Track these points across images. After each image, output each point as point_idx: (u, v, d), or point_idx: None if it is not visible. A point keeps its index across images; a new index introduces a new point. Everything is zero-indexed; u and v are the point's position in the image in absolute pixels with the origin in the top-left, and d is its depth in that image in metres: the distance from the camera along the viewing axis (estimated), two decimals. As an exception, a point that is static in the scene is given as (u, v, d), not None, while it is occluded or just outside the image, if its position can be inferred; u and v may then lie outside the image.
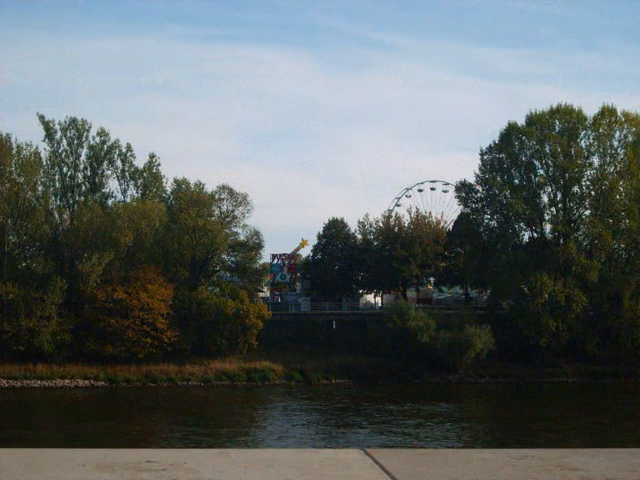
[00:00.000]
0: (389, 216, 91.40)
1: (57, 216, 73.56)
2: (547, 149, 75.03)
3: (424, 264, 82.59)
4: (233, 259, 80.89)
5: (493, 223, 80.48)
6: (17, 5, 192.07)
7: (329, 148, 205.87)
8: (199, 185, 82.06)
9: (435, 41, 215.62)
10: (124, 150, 77.78)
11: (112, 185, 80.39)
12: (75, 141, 76.20)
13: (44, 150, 74.78)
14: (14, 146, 69.98)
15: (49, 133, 75.49)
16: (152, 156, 78.55)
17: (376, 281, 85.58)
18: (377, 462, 5.94)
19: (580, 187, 76.13)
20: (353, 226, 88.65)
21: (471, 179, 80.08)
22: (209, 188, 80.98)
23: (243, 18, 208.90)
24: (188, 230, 73.89)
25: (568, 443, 40.23)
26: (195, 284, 72.82)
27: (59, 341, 65.98)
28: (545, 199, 77.41)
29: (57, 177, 75.83)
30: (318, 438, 43.36)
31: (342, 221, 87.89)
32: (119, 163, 77.91)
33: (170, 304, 69.09)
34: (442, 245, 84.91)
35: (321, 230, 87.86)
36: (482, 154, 78.71)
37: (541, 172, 76.66)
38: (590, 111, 77.05)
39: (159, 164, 79.00)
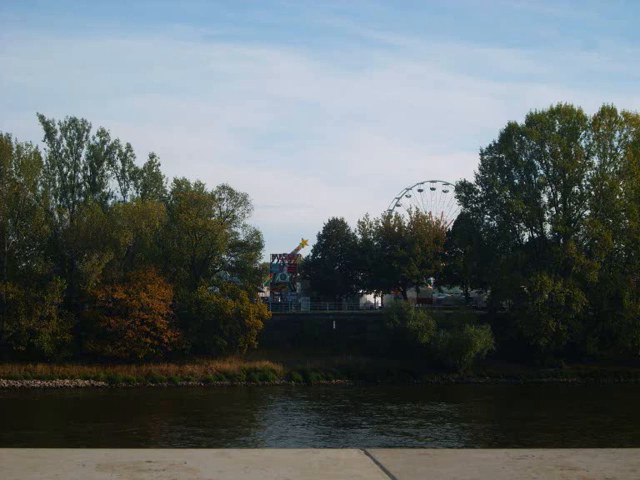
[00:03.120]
0: (389, 216, 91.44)
1: (57, 216, 73.52)
2: (547, 149, 75.02)
3: (424, 264, 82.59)
4: (233, 259, 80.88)
5: (493, 223, 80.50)
6: (17, 5, 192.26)
7: (329, 148, 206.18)
8: (199, 185, 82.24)
9: (436, 41, 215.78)
10: (124, 150, 77.93)
11: (112, 185, 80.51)
12: (75, 141, 76.25)
13: (44, 150, 74.99)
14: (14, 146, 69.95)
15: (49, 133, 75.52)
16: (152, 156, 78.73)
17: (376, 281, 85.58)
18: (377, 462, 5.94)
19: (580, 187, 76.15)
20: (353, 226, 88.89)
21: (471, 179, 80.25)
22: (209, 188, 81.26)
23: (244, 18, 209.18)
24: (188, 230, 73.86)
25: (568, 443, 40.22)
26: (195, 284, 72.79)
27: (59, 341, 65.96)
28: (545, 199, 77.51)
29: (57, 177, 75.88)
30: (318, 438, 43.34)
31: (342, 221, 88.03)
32: (119, 163, 78.08)
33: (170, 304, 69.10)
34: (442, 245, 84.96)
35: (321, 230, 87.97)
36: (482, 154, 78.77)
37: (541, 172, 76.71)
38: (590, 111, 77.16)
39: (159, 164, 79.22)
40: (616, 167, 75.52)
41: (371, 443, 40.94)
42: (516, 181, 77.60)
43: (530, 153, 76.40)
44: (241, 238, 79.70)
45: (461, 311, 75.73)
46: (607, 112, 75.03)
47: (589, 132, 75.91)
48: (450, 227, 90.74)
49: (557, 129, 76.06)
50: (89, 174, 77.06)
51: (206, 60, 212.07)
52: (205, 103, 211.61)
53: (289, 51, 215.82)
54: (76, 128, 76.22)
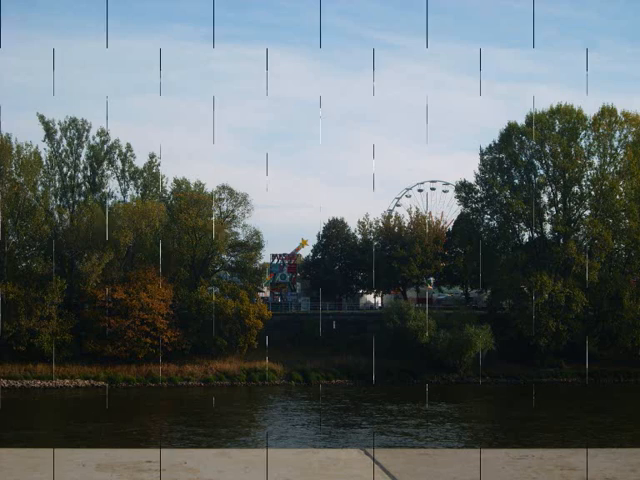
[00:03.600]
0: (389, 216, 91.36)
1: (57, 216, 73.51)
2: (547, 149, 74.98)
3: (424, 264, 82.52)
4: (233, 259, 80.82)
5: (493, 223, 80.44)
6: (17, 5, 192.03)
7: (329, 148, 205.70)
8: (199, 185, 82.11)
9: (436, 41, 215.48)
10: (124, 150, 77.84)
11: (112, 185, 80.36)
12: (75, 141, 76.17)
13: (44, 150, 74.91)
14: (14, 146, 69.93)
15: (49, 133, 75.45)
16: (152, 156, 78.62)
17: (376, 281, 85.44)
18: (377, 462, 5.94)
19: (580, 187, 76.11)
20: (353, 226, 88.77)
21: (471, 179, 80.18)
22: (209, 188, 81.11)
23: (244, 18, 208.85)
24: (188, 230, 73.84)
25: (568, 443, 40.20)
26: (195, 284, 72.76)
27: (59, 341, 65.90)
28: (545, 199, 77.44)
29: (57, 177, 75.84)
30: (318, 438, 43.35)
31: (342, 221, 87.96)
32: (119, 163, 77.99)
33: (170, 304, 69.07)
34: (442, 245, 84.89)
35: (321, 230, 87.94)
36: (482, 154, 78.67)
37: (541, 172, 76.65)
38: (590, 111, 77.04)
39: (159, 164, 79.06)
40: (616, 167, 75.48)
41: (371, 443, 40.90)
42: (516, 181, 77.54)
43: (530, 153, 76.37)
44: (241, 238, 79.72)
45: (461, 311, 75.70)
46: (607, 112, 74.96)
47: (589, 132, 75.86)
48: (450, 227, 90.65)
49: (557, 129, 76.00)
50: (89, 174, 76.99)
51: (206, 60, 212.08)
52: (205, 103, 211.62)
53: (289, 51, 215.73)
54: (76, 128, 76.15)
